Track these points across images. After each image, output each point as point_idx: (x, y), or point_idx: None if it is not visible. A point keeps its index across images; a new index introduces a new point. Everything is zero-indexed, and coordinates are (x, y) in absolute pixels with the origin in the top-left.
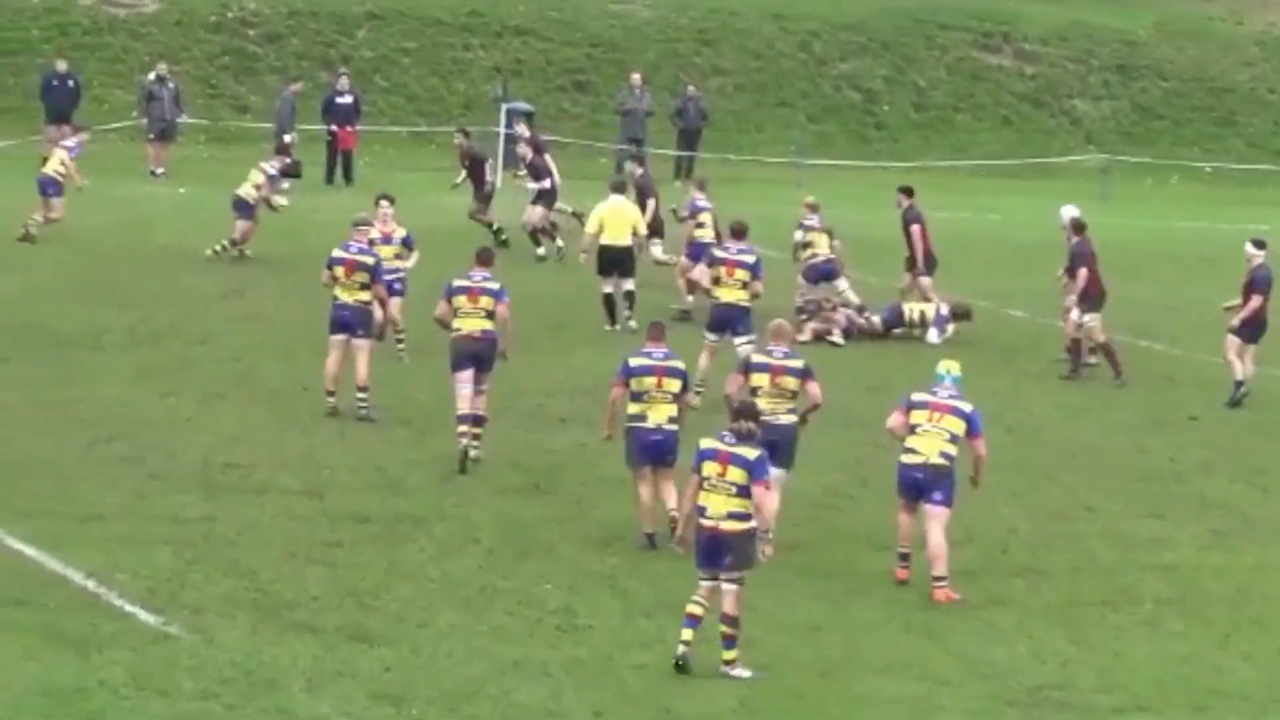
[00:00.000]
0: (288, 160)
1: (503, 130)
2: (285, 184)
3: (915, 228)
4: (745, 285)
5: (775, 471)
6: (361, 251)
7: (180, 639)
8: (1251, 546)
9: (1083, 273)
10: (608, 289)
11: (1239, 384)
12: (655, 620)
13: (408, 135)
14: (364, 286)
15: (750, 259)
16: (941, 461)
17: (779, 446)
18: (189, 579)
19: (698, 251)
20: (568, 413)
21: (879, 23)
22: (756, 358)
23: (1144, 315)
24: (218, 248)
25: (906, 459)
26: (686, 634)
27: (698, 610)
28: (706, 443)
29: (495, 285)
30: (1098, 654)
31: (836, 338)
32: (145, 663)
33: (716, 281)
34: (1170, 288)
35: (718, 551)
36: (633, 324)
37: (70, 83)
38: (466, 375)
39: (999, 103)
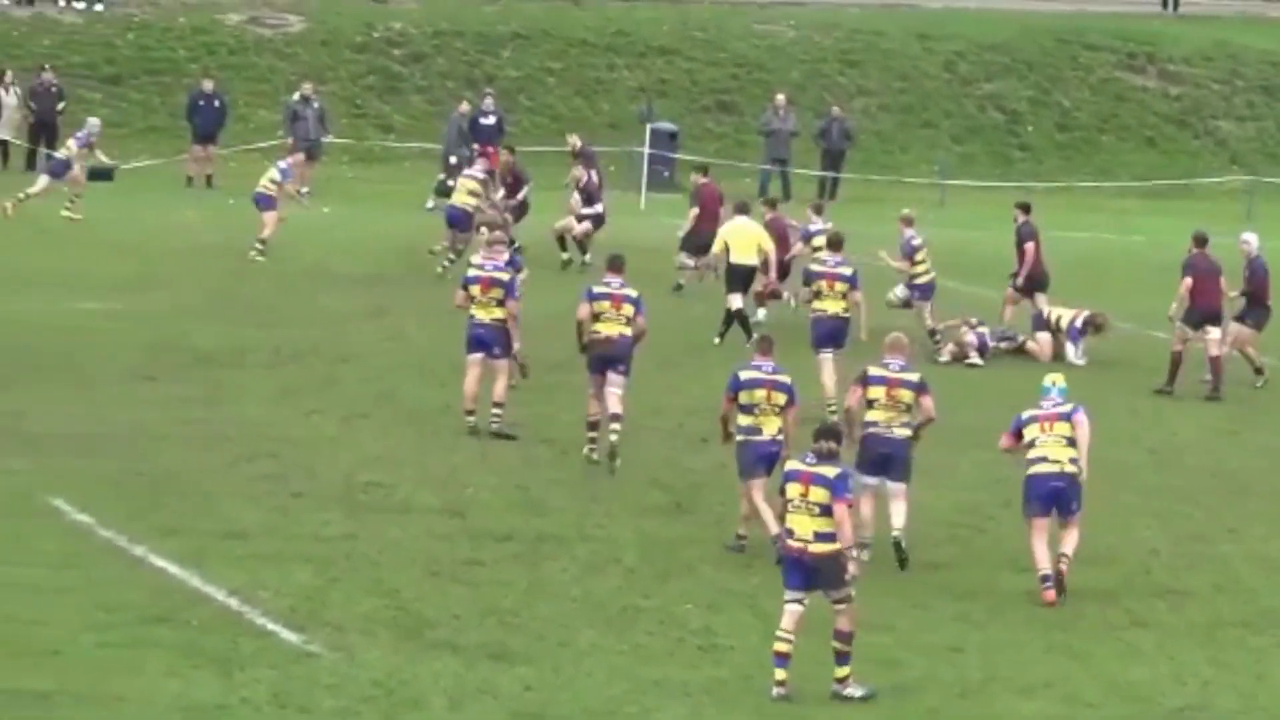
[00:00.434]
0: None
1: (646, 150)
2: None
3: (1029, 245)
4: (844, 296)
5: (894, 485)
6: (496, 269)
7: (322, 657)
8: None
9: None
10: (737, 305)
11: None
12: (801, 640)
13: (552, 155)
14: (499, 304)
15: (848, 270)
16: (1074, 469)
17: (893, 460)
18: (330, 597)
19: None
20: (709, 432)
21: (1023, 43)
22: (873, 370)
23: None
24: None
25: (1037, 468)
26: (780, 674)
27: (785, 647)
28: (791, 464)
29: (634, 293)
30: (1239, 676)
31: (975, 358)
32: (287, 681)
33: (818, 295)
34: None
35: (807, 574)
36: (716, 340)
37: (216, 102)
38: (602, 379)
39: (1143, 124)
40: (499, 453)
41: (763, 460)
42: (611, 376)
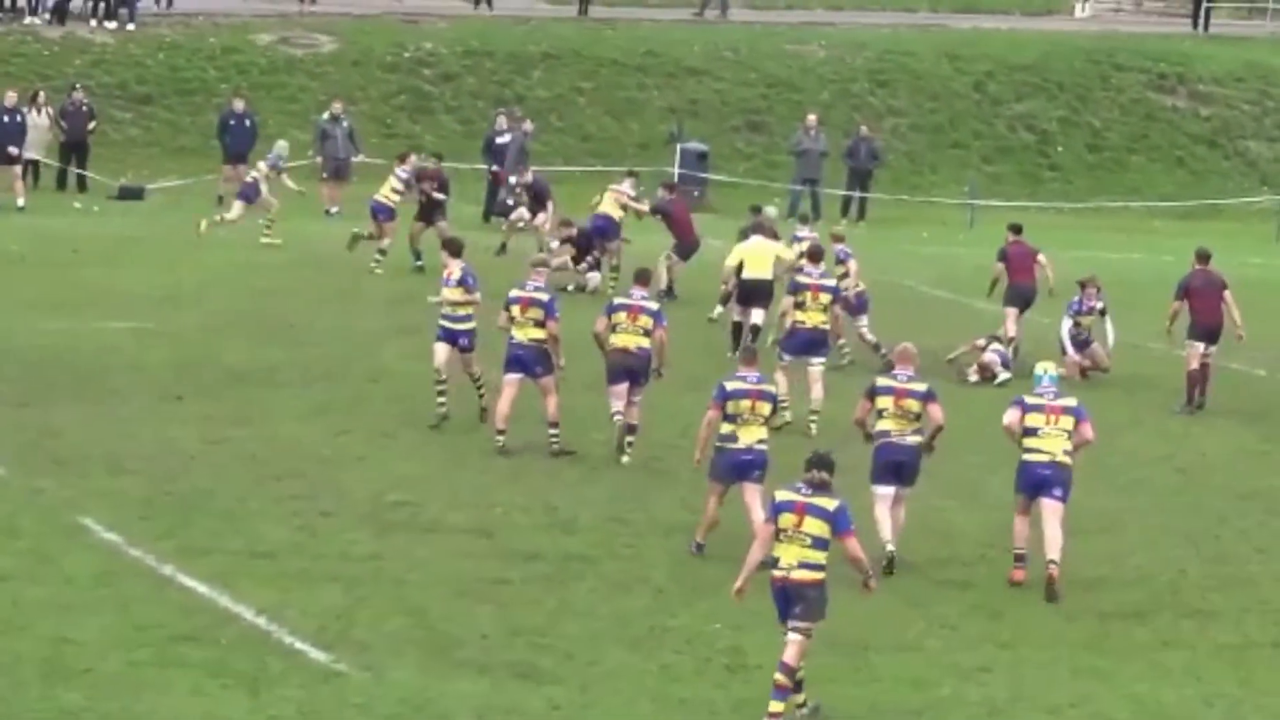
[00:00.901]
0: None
1: (677, 170)
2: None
3: (998, 264)
4: (826, 309)
5: (903, 491)
6: (536, 289)
7: (349, 676)
8: None
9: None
10: (738, 318)
11: None
12: (823, 659)
13: (581, 174)
14: (538, 324)
15: (832, 282)
16: (1066, 460)
17: (904, 467)
18: (358, 616)
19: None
20: None
21: (1054, 64)
22: (882, 381)
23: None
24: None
25: (1032, 457)
26: (776, 706)
27: (785, 680)
28: (782, 494)
29: (654, 306)
30: (1268, 697)
31: (1003, 375)
32: (314, 700)
33: (800, 306)
34: None
35: (789, 602)
36: (730, 355)
37: (247, 122)
38: (621, 389)
39: (1173, 144)
40: (528, 472)
41: (735, 468)
42: (630, 388)
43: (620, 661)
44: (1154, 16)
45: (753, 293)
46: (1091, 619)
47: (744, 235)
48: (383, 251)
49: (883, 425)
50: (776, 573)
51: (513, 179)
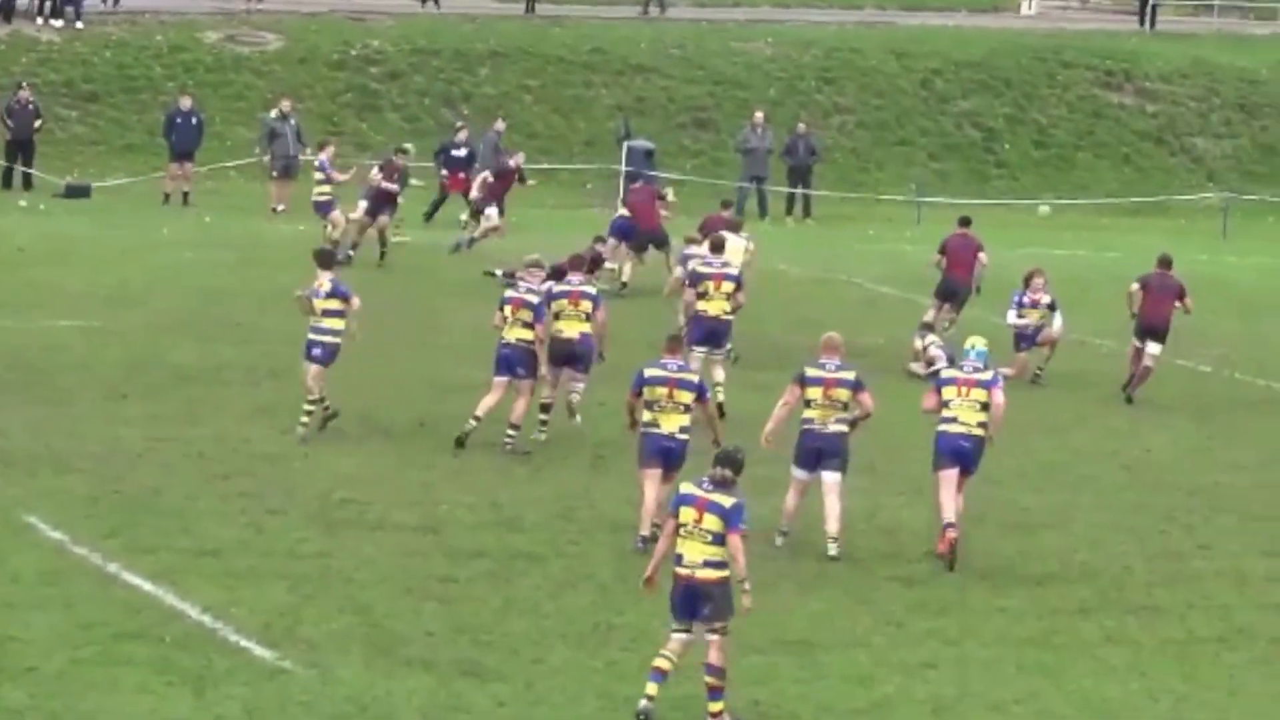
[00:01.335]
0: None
1: (623, 168)
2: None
3: (937, 254)
4: (729, 297)
5: (830, 476)
6: (530, 291)
7: (295, 674)
8: None
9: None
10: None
11: None
12: (768, 657)
13: (528, 172)
14: (526, 325)
15: (734, 271)
16: (979, 431)
17: (827, 453)
18: (304, 614)
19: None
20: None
21: (1001, 60)
22: (810, 371)
23: (1262, 353)
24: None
25: (948, 428)
26: (651, 688)
27: (665, 664)
28: (685, 488)
29: (592, 290)
30: (1212, 692)
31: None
32: (260, 698)
33: (703, 295)
34: None
35: (694, 601)
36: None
37: (194, 120)
38: (555, 373)
39: (1120, 141)
40: (474, 470)
41: (659, 454)
42: (571, 371)
43: (566, 659)
44: (1101, 14)
45: None
46: (1037, 615)
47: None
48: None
49: (809, 414)
50: (681, 570)
51: (488, 177)
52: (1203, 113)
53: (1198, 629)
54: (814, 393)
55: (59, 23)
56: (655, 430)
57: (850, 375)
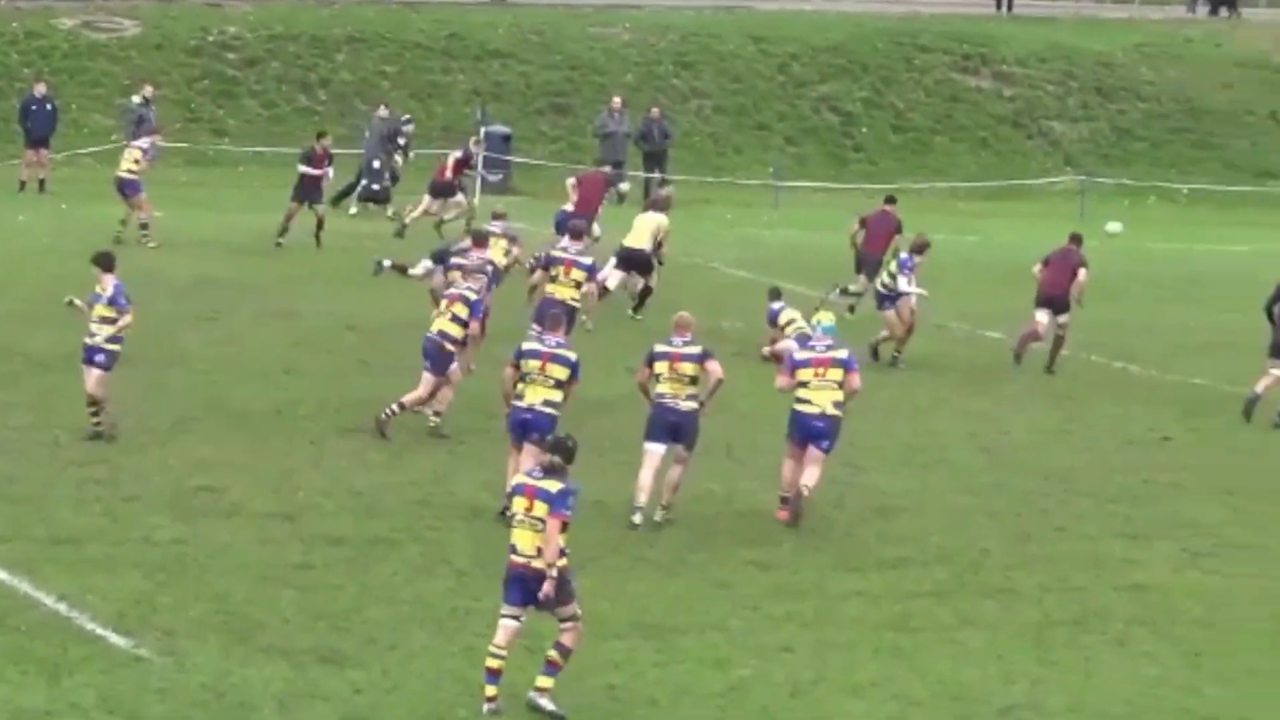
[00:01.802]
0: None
1: (481, 153)
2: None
3: (856, 225)
4: (579, 285)
5: (681, 449)
6: (468, 289)
7: (151, 662)
8: (1223, 566)
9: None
10: (612, 285)
11: None
12: (627, 641)
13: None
14: (455, 319)
15: (588, 260)
16: (835, 412)
17: (680, 429)
18: (160, 602)
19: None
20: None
21: (858, 45)
22: (659, 347)
23: (1119, 336)
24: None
25: (802, 408)
26: (490, 690)
27: (496, 664)
28: (518, 478)
29: (588, 260)
30: (1068, 674)
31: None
32: (116, 686)
33: (554, 280)
34: (1145, 309)
35: (528, 590)
36: (639, 316)
37: (49, 106)
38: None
39: (977, 124)
40: (332, 456)
41: (517, 425)
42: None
43: (423, 644)
44: None
45: (627, 260)
46: (894, 599)
47: (645, 209)
48: (144, 225)
49: (660, 389)
50: (516, 559)
51: (375, 163)
52: (1059, 96)
53: (1054, 611)
54: (661, 367)
55: None
56: (519, 403)
57: (696, 350)
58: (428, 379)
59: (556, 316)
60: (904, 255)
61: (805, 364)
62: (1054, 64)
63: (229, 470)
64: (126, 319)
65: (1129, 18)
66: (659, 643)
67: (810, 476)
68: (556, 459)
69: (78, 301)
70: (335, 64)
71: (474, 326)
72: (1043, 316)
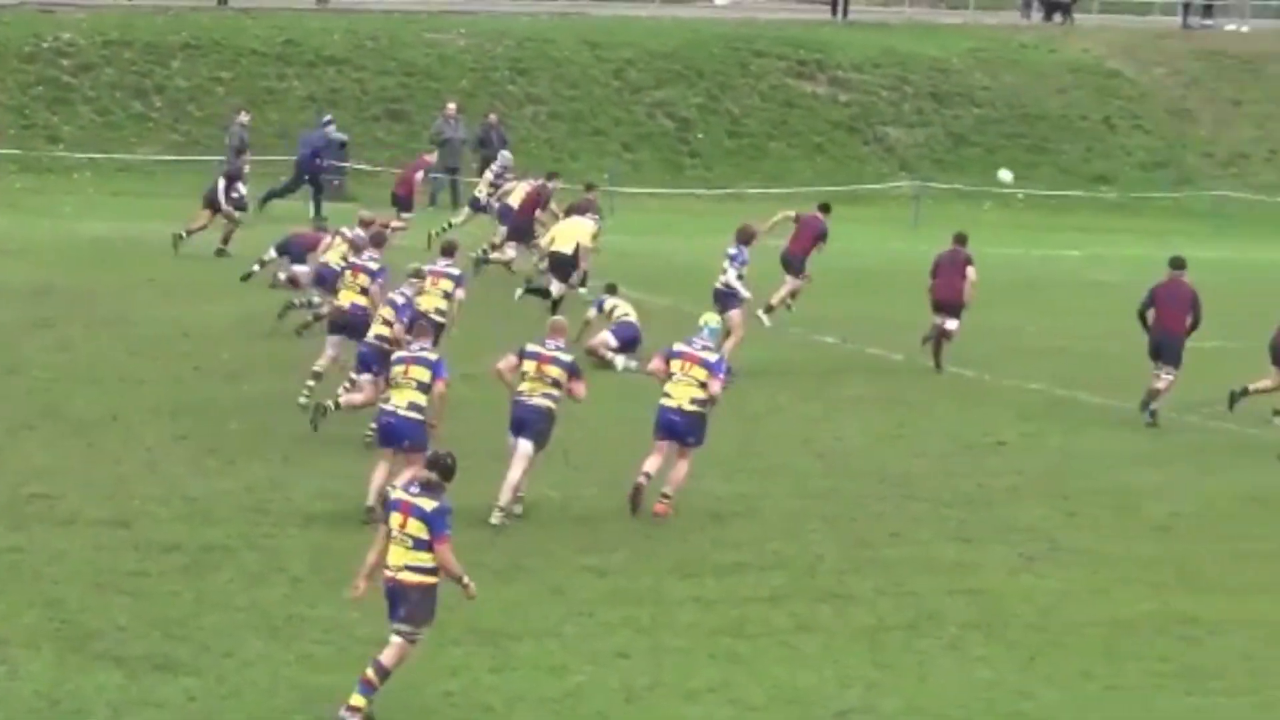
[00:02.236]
0: None
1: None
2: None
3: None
4: (447, 296)
5: (524, 443)
6: (400, 292)
7: None
8: (1056, 570)
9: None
10: (544, 285)
11: None
12: (461, 647)
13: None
14: (363, 291)
15: (456, 271)
16: (693, 408)
17: (528, 423)
18: None
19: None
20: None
21: (693, 51)
22: (531, 346)
23: (954, 342)
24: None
25: (663, 401)
26: (357, 700)
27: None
28: (395, 493)
29: (456, 271)
30: (903, 678)
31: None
32: None
33: (420, 292)
34: (979, 313)
35: (394, 602)
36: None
37: None
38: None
39: (813, 130)
40: (166, 463)
41: (381, 430)
42: (337, 352)
43: (259, 652)
44: (793, 3)
45: (554, 265)
46: (730, 604)
47: (568, 213)
48: None
49: (521, 386)
50: (386, 572)
51: (246, 168)
52: (895, 101)
53: (889, 616)
54: (529, 366)
55: None
56: (384, 405)
57: (567, 358)
58: (366, 381)
59: (423, 327)
60: (732, 249)
61: (678, 355)
62: (889, 70)
63: (64, 477)
64: None
65: (963, 23)
66: (495, 649)
67: (677, 472)
68: (433, 476)
69: None
70: (170, 70)
71: (399, 328)
72: (950, 324)
